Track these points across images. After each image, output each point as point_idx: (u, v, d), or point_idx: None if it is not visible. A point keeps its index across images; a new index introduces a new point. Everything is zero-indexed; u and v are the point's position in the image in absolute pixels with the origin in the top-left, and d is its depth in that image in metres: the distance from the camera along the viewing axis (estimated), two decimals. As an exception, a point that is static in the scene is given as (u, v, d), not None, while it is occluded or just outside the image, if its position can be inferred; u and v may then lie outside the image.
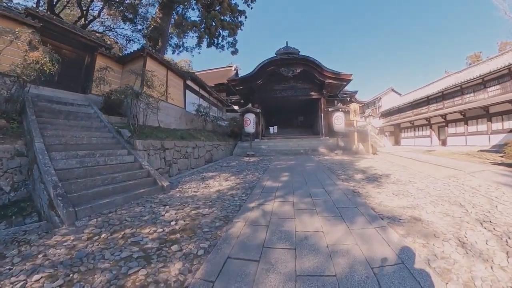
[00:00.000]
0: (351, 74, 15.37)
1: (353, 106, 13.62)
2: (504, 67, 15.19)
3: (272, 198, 4.77)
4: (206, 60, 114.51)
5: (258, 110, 13.88)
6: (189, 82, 14.46)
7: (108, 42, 15.43)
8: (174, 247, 2.92)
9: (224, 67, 31.16)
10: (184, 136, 10.01)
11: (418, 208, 4.17)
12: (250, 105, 13.91)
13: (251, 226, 3.38)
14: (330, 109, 12.48)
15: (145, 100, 8.90)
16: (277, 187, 5.74)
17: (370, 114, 14.00)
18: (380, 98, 32.67)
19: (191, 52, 19.43)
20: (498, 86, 16.23)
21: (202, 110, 13.41)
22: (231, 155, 14.26)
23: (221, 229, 3.40)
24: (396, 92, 33.16)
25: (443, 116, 20.20)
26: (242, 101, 19.16)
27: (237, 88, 16.26)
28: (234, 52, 19.84)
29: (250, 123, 13.17)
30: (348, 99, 19.59)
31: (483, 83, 17.34)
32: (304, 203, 4.42)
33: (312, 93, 16.88)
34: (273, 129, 20.71)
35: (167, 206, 4.56)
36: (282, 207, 4.19)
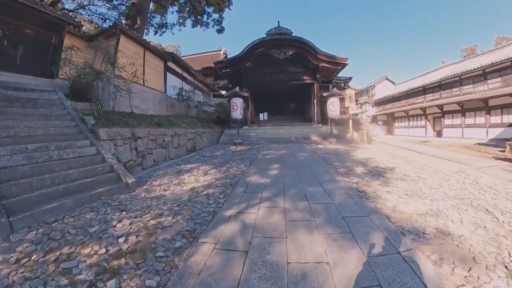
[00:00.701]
0: (347, 58, 14.32)
1: (349, 92, 12.68)
2: (507, 59, 14.50)
3: (257, 202, 3.76)
4: (196, 46, 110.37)
5: (246, 94, 12.58)
6: (170, 64, 13.09)
7: (78, 20, 13.81)
8: (111, 284, 2.02)
9: (213, 51, 29.46)
10: (162, 123, 8.84)
11: (442, 215, 3.33)
12: (237, 88, 12.61)
13: (222, 252, 2.36)
14: (325, 94, 11.41)
15: (113, 82, 7.74)
16: (264, 185, 4.74)
17: (366, 101, 13.09)
18: (374, 86, 31.79)
19: (172, 29, 17.65)
20: (499, 79, 15.60)
21: (184, 94, 12.12)
22: (217, 143, 13.19)
23: (181, 254, 2.41)
24: (390, 81, 32.33)
25: (440, 106, 19.58)
26: (230, 85, 17.84)
27: (224, 70, 14.95)
28: (220, 31, 18.20)
29: (237, 108, 11.95)
30: (342, 85, 18.57)
31: (483, 74, 16.65)
32: (298, 210, 3.43)
33: (305, 77, 15.75)
34: (263, 116, 19.61)
35: (124, 212, 3.58)
36: (270, 217, 3.19)
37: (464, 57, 33.38)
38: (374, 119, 29.26)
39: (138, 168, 7.34)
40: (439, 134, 20.53)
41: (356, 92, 14.77)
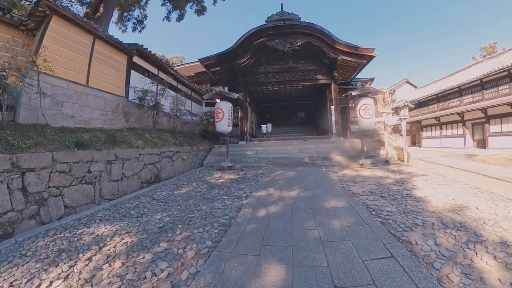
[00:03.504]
0: (374, 49, 10.82)
1: (382, 93, 9.09)
2: None
3: None
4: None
5: (236, 95, 8.82)
6: (138, 61, 9.75)
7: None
8: None
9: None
10: (90, 141, 5.34)
11: None
12: (226, 88, 8.93)
13: None
14: (354, 93, 7.76)
15: None
16: None
17: (406, 104, 9.43)
18: (394, 91, 27.88)
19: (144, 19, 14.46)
20: None
21: (148, 97, 8.65)
22: (201, 166, 9.64)
23: None
24: (412, 84, 28.52)
25: (483, 110, 15.71)
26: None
27: (212, 69, 11.54)
28: (201, 11, 14.86)
29: (224, 116, 8.19)
30: (363, 88, 14.99)
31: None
32: None
33: (319, 76, 12.18)
34: (266, 128, 15.99)
35: None
36: None
37: (484, 56, 29.81)
38: (396, 128, 25.33)
39: (30, 222, 3.89)
40: (480, 144, 16.65)
41: (390, 92, 11.24)
